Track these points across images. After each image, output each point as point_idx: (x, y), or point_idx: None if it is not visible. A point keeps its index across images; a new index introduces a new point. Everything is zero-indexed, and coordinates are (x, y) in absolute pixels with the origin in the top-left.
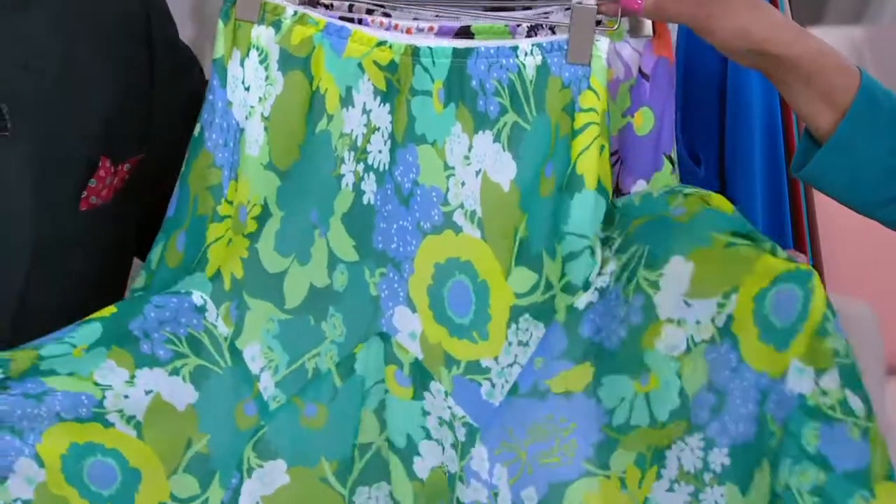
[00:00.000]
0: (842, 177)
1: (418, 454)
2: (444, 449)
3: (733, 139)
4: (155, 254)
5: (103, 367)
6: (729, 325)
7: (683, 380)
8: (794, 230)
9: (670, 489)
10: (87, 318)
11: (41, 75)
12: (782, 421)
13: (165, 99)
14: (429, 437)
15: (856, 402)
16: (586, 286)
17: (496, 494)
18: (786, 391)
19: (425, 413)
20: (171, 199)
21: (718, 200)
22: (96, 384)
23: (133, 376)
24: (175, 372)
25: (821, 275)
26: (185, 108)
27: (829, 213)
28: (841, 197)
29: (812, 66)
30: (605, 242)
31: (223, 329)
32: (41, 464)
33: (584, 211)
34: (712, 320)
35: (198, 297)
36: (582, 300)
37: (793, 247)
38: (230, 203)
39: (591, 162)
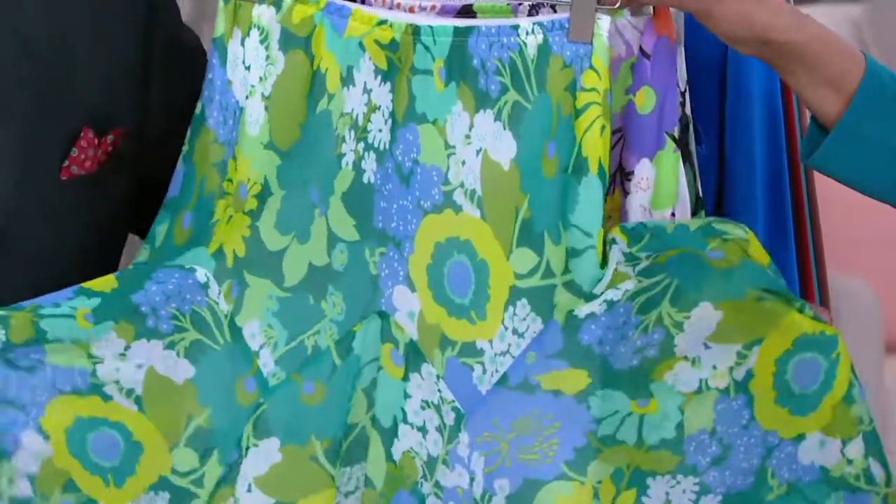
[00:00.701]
0: (851, 163)
1: (397, 437)
2: (425, 433)
3: (734, 116)
4: (160, 231)
5: (104, 339)
6: (747, 381)
7: (685, 416)
8: (793, 207)
9: None
10: (84, 285)
11: (31, 51)
12: (786, 481)
13: (163, 83)
14: (405, 420)
15: (878, 470)
16: (590, 297)
17: (472, 480)
18: (798, 455)
19: (407, 396)
20: (172, 176)
21: (756, 250)
22: (89, 356)
23: (127, 347)
24: (171, 346)
25: (820, 252)
26: (185, 93)
27: (829, 190)
28: (852, 182)
29: (815, 53)
30: (629, 260)
31: (224, 306)
32: (46, 437)
33: (590, 197)
34: (730, 370)
35: (202, 275)
36: (583, 309)
37: (792, 225)
38: (230, 181)
39: (594, 143)
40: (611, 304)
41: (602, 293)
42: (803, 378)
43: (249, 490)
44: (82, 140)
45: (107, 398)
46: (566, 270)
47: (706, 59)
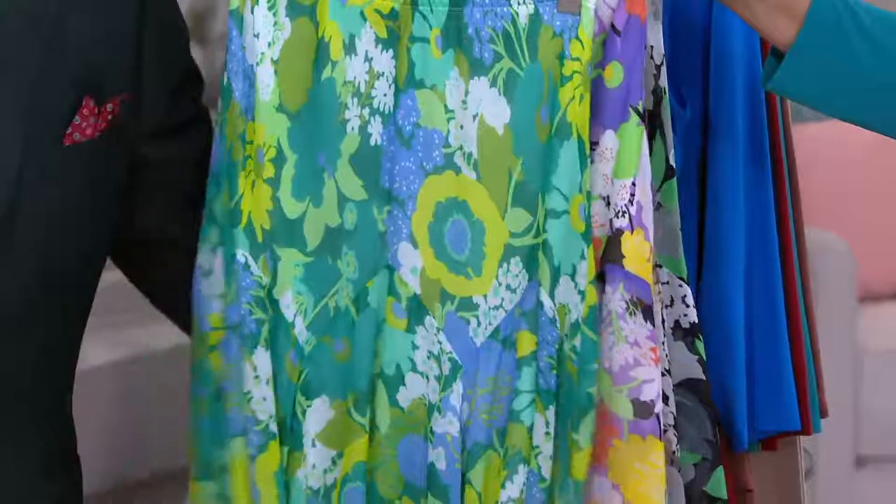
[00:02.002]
0: (807, 84)
1: (403, 384)
2: (428, 380)
3: (717, 82)
4: (216, 207)
5: (245, 375)
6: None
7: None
8: (773, 167)
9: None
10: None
11: (30, 18)
12: None
13: (155, 55)
14: (415, 369)
15: None
16: (561, 268)
17: (461, 428)
18: None
19: (415, 347)
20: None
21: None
22: (243, 394)
23: (255, 366)
24: (266, 344)
25: (798, 209)
26: (174, 69)
27: (808, 152)
28: (810, 103)
29: None
30: (564, 338)
31: (265, 280)
32: None
33: (569, 161)
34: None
35: (241, 256)
36: (546, 293)
37: (772, 182)
38: (250, 143)
39: (575, 109)
40: (554, 321)
41: (556, 302)
42: None
43: (314, 445)
44: (84, 108)
45: (274, 437)
46: (544, 230)
47: (690, 28)
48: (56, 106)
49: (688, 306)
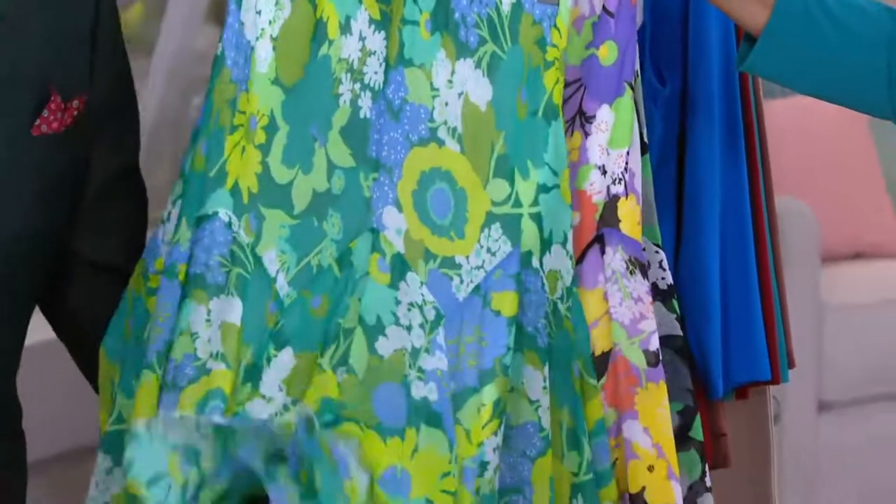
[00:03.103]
0: (778, 65)
1: (384, 335)
2: (410, 329)
3: (695, 62)
4: (187, 162)
5: (192, 315)
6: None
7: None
8: (746, 140)
9: (495, 448)
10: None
11: (6, 20)
12: None
13: (105, 51)
14: (397, 322)
15: None
16: (548, 240)
17: (441, 373)
18: None
19: (398, 302)
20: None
21: None
22: (190, 334)
23: (209, 311)
24: (229, 292)
25: (769, 179)
26: (120, 65)
27: (776, 125)
28: (782, 82)
29: None
30: (565, 296)
31: (245, 238)
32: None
33: (558, 140)
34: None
35: (224, 215)
36: (535, 261)
37: (745, 154)
38: (242, 113)
39: (559, 92)
40: (544, 285)
41: (545, 269)
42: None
43: (280, 389)
44: (52, 104)
45: (208, 372)
46: (534, 203)
47: (670, 11)
48: (25, 97)
49: (664, 270)
